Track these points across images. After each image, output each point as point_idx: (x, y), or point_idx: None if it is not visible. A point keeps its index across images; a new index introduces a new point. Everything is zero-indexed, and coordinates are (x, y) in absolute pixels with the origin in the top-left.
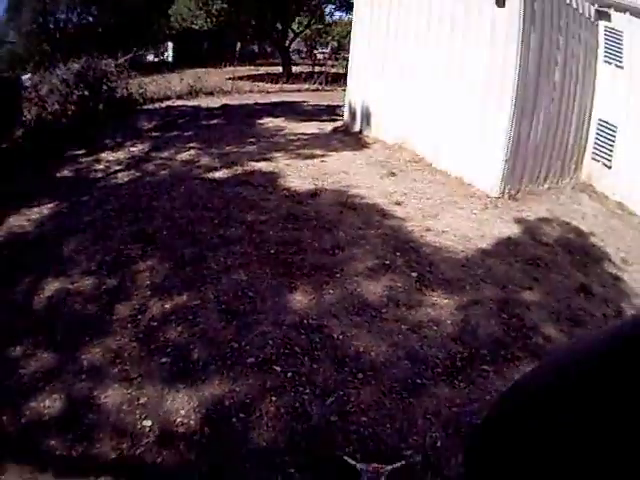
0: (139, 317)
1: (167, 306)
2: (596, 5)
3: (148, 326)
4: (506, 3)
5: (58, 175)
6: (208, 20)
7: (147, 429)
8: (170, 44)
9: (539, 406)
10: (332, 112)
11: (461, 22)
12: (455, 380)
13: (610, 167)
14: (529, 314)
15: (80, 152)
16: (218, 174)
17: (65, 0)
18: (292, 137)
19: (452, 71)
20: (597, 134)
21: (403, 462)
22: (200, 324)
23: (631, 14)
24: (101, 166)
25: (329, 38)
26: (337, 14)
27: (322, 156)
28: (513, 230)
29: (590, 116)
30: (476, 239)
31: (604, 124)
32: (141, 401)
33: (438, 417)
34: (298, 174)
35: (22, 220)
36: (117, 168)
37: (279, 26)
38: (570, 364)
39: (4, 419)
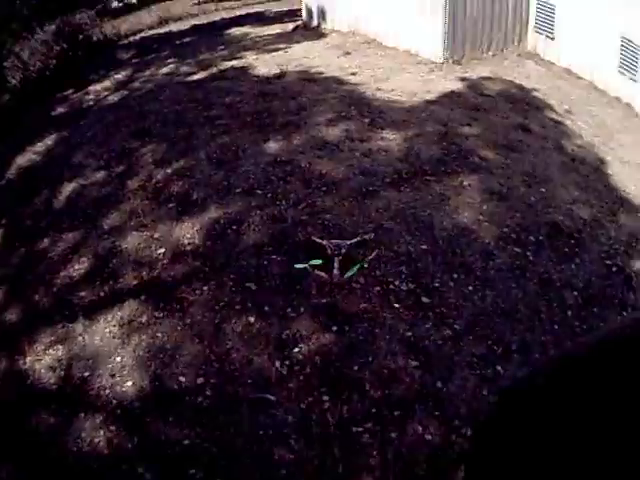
0: (146, 184)
1: (169, 171)
2: None
3: (155, 188)
4: None
5: (53, 114)
6: None
7: (161, 255)
8: None
9: (536, 410)
10: (293, 15)
11: None
12: (402, 187)
13: (553, 39)
14: (467, 142)
15: (68, 92)
16: (196, 76)
17: None
18: (258, 39)
19: None
20: (538, 11)
21: (359, 239)
22: (196, 176)
23: None
24: (91, 96)
25: None
26: None
27: (285, 48)
28: (457, 86)
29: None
30: (422, 94)
31: (543, 2)
32: (155, 236)
33: (388, 211)
34: (265, 64)
35: (29, 156)
36: (106, 93)
37: None
38: (564, 368)
39: (36, 297)
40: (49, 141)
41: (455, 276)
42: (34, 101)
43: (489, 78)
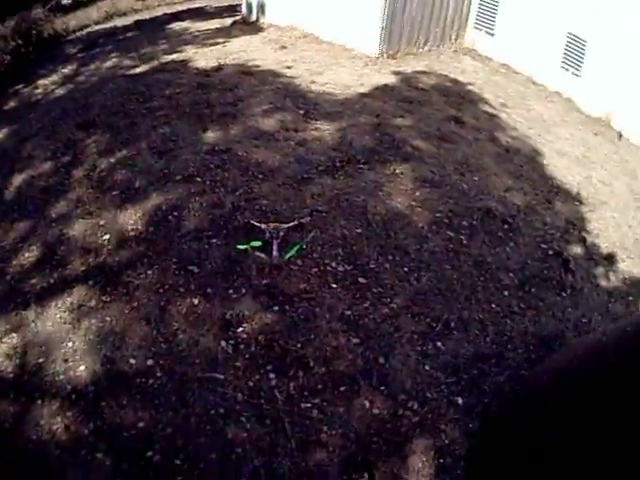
0: (91, 174)
1: (112, 160)
2: None
3: (99, 177)
4: None
5: (5, 108)
6: None
7: (106, 242)
8: None
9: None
10: (232, 10)
11: None
12: (336, 174)
13: (493, 35)
14: (400, 133)
15: (19, 87)
16: (139, 69)
17: None
18: (197, 33)
19: None
20: (479, 7)
21: (295, 222)
22: (138, 165)
23: None
24: (39, 90)
25: None
26: None
27: (224, 42)
28: (390, 80)
29: None
30: (355, 87)
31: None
32: (100, 223)
33: (323, 196)
34: (204, 58)
35: None
36: (53, 87)
37: None
38: (572, 368)
39: None
40: (0, 134)
41: (390, 258)
42: None
43: (424, 72)
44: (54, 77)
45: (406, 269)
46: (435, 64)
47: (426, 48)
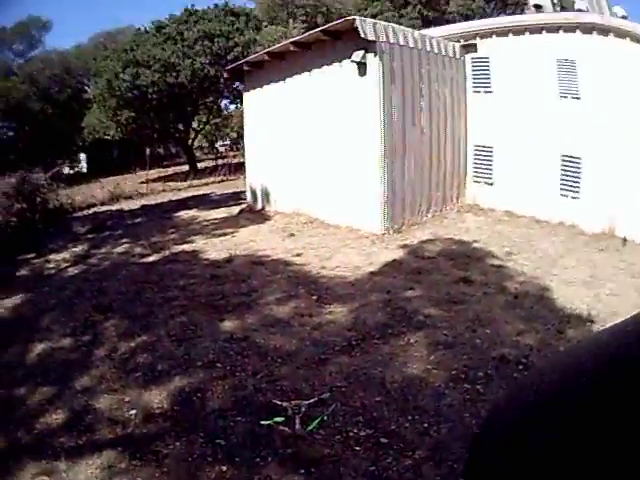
0: (113, 355)
1: (132, 344)
2: (462, 41)
3: (121, 359)
4: (367, 70)
5: (18, 274)
6: (119, 129)
7: (133, 416)
8: (83, 155)
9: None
10: (238, 198)
11: (334, 103)
12: (352, 352)
13: (492, 184)
14: (410, 304)
15: (30, 256)
16: (151, 258)
17: None
18: (205, 223)
19: (332, 142)
20: (475, 158)
21: (316, 398)
22: (159, 350)
23: (497, 35)
24: (52, 265)
25: (228, 130)
26: (232, 107)
27: (232, 233)
28: (398, 254)
29: (466, 144)
30: (365, 266)
31: (480, 148)
32: (126, 400)
33: (341, 373)
34: (215, 248)
35: None
36: (66, 265)
37: (181, 127)
38: (573, 369)
39: (19, 434)
40: (17, 300)
41: (409, 417)
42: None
43: (430, 240)
44: (65, 254)
45: (425, 424)
46: (440, 229)
47: (429, 215)
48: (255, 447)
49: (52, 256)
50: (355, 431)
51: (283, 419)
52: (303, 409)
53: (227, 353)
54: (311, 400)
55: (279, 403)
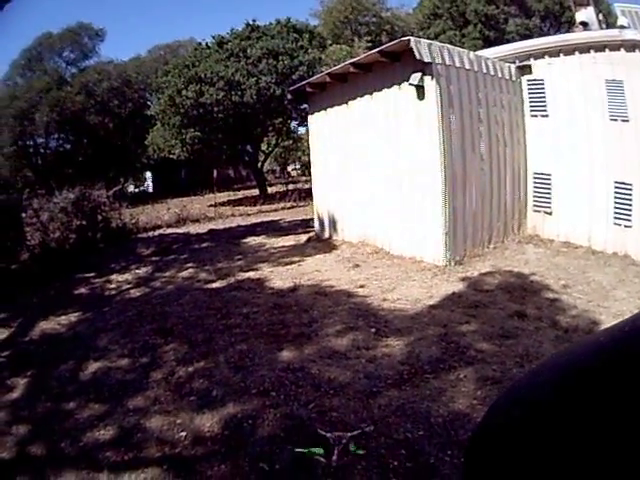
0: (169, 378)
1: (190, 369)
2: (517, 62)
3: (177, 382)
4: (425, 94)
5: (75, 292)
6: (184, 149)
7: (182, 437)
8: (149, 174)
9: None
10: (306, 225)
11: (396, 128)
12: (403, 386)
13: (551, 214)
14: (464, 339)
15: (89, 275)
16: (215, 284)
17: (42, 124)
18: (273, 250)
19: (395, 170)
20: (535, 186)
21: (360, 430)
22: (216, 376)
23: (549, 56)
24: (113, 285)
25: (299, 154)
26: (301, 129)
27: (299, 261)
28: (458, 287)
29: (526, 171)
30: (425, 299)
31: (539, 175)
32: (177, 422)
33: (389, 407)
34: (280, 277)
35: (53, 324)
36: (128, 286)
37: (249, 149)
38: (572, 366)
39: (62, 444)
40: (73, 317)
41: (449, 452)
42: (56, 274)
43: (490, 273)
44: (127, 276)
45: (462, 459)
46: (500, 261)
47: (491, 246)
48: (296, 473)
49: (114, 276)
50: (395, 463)
51: (322, 451)
52: (344, 441)
53: (282, 382)
54: (354, 432)
55: (323, 433)
